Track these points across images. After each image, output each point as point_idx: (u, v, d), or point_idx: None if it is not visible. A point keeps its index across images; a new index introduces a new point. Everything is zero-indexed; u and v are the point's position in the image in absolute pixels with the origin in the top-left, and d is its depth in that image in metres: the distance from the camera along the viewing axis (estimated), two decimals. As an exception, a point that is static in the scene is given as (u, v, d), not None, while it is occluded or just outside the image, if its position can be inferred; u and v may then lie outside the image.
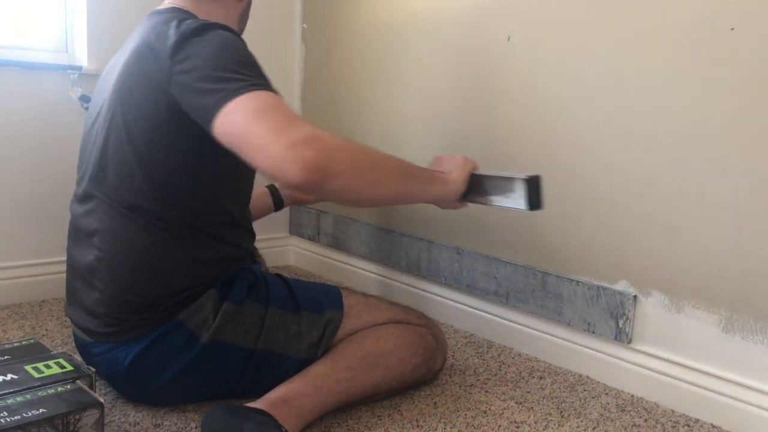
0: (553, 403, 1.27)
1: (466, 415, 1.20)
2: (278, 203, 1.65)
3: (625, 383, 1.33)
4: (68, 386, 1.04)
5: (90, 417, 0.99)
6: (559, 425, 1.18)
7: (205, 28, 1.06)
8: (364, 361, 1.16)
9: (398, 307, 1.31)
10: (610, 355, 1.36)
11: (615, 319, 1.33)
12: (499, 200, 1.17)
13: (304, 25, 2.08)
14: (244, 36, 1.19)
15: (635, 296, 1.31)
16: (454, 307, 1.67)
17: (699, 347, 1.23)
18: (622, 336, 1.33)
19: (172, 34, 1.06)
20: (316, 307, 1.21)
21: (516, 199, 1.14)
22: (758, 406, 1.15)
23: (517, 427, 1.16)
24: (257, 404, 1.04)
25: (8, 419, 0.92)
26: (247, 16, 1.33)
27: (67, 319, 1.58)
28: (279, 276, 1.27)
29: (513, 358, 1.48)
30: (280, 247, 2.17)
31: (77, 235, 1.18)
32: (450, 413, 1.20)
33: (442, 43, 1.64)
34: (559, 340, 1.44)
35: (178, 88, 1.03)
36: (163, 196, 1.10)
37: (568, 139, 1.39)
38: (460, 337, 1.59)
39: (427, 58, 1.68)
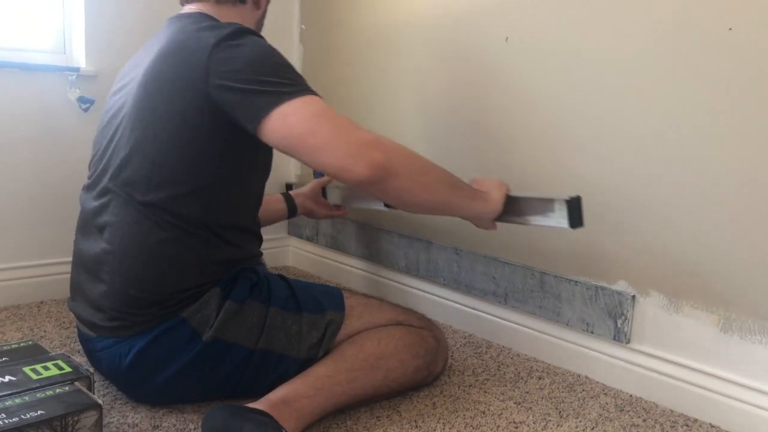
0: (551, 403, 1.27)
1: (464, 415, 1.20)
2: (292, 210, 1.69)
3: (624, 383, 1.33)
4: (66, 388, 1.04)
5: (88, 418, 0.99)
6: (558, 425, 1.18)
7: (242, 32, 1.11)
8: (366, 363, 1.16)
9: (400, 309, 1.31)
10: (608, 355, 1.36)
11: (613, 319, 1.34)
12: (538, 219, 1.24)
13: (302, 26, 2.08)
14: None
15: (634, 296, 1.31)
16: (452, 308, 1.67)
17: (697, 347, 1.23)
18: (620, 336, 1.33)
19: (208, 35, 1.10)
20: (318, 307, 1.21)
21: (557, 219, 1.22)
22: (757, 406, 1.15)
23: (516, 428, 1.16)
24: (257, 405, 1.04)
25: (6, 421, 0.92)
26: (263, 24, 1.36)
27: (66, 321, 1.58)
28: (281, 276, 1.27)
29: (512, 358, 1.48)
30: (279, 247, 2.17)
31: (87, 228, 1.19)
32: (449, 414, 1.20)
33: (441, 44, 1.64)
34: (557, 341, 1.45)
35: (218, 88, 1.07)
36: (180, 195, 1.12)
37: (566, 138, 1.39)
38: (459, 338, 1.59)
39: (426, 59, 1.68)
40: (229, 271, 1.18)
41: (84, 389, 1.05)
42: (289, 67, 1.12)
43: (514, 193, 1.28)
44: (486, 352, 1.51)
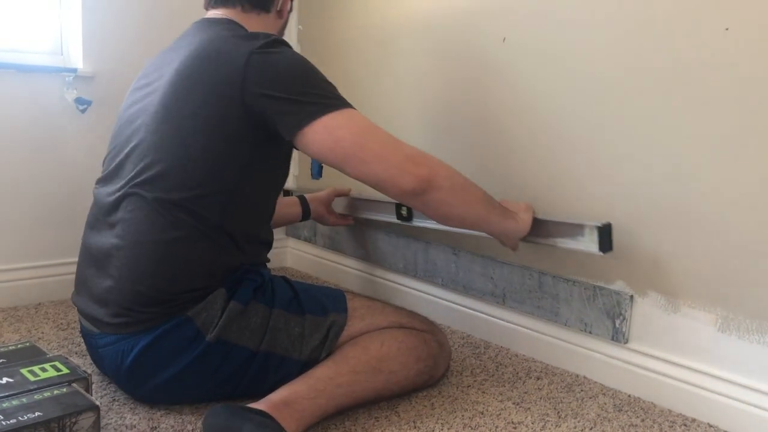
0: (550, 403, 1.27)
1: (463, 416, 1.20)
2: (306, 214, 1.73)
3: (622, 383, 1.33)
4: (64, 389, 1.04)
5: (86, 420, 0.99)
6: (557, 426, 1.18)
7: (279, 42, 1.16)
8: (368, 366, 1.16)
9: (403, 312, 1.32)
10: (607, 355, 1.36)
11: (612, 319, 1.34)
12: (566, 242, 1.33)
13: (300, 27, 2.08)
14: None
15: (632, 296, 1.31)
16: (451, 308, 1.67)
17: (695, 347, 1.23)
18: (618, 336, 1.33)
19: (245, 43, 1.13)
20: (320, 309, 1.21)
21: (587, 243, 1.29)
22: (755, 406, 1.15)
23: (515, 428, 1.17)
24: (258, 405, 1.04)
25: (4, 423, 0.92)
26: (284, 33, 1.38)
27: (64, 322, 1.58)
28: (284, 279, 1.28)
29: (510, 358, 1.48)
30: (278, 248, 2.17)
31: (98, 223, 1.20)
32: (447, 414, 1.20)
33: (438, 45, 1.64)
34: (556, 341, 1.45)
35: (257, 96, 1.11)
36: (203, 196, 1.13)
37: (564, 139, 1.39)
38: (457, 338, 1.59)
39: (423, 59, 1.68)
40: (236, 273, 1.19)
41: (82, 391, 1.04)
42: (327, 80, 1.18)
43: (542, 216, 1.35)
44: (484, 352, 1.51)
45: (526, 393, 1.31)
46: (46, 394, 1.01)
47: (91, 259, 1.20)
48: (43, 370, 1.09)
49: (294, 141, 1.14)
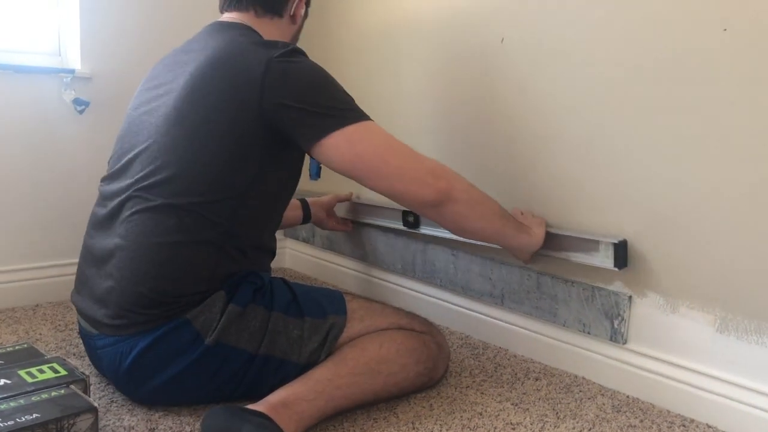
0: (548, 404, 1.27)
1: (461, 416, 1.20)
2: (306, 217, 1.74)
3: (621, 384, 1.33)
4: (62, 391, 1.03)
5: (84, 421, 0.99)
6: (555, 426, 1.18)
7: (297, 52, 1.17)
8: (367, 367, 1.16)
9: (402, 313, 1.31)
10: (605, 356, 1.36)
11: (610, 320, 1.34)
12: (581, 257, 1.34)
13: (298, 28, 2.08)
14: None
15: (630, 297, 1.31)
16: (449, 309, 1.67)
17: (694, 347, 1.23)
18: (617, 336, 1.33)
19: (263, 51, 1.14)
20: (320, 312, 1.21)
21: (601, 259, 1.31)
22: (754, 406, 1.15)
23: (513, 429, 1.16)
24: (257, 407, 1.04)
25: (2, 424, 0.92)
26: (298, 38, 1.39)
27: (62, 323, 1.57)
28: (283, 281, 1.27)
29: (508, 359, 1.48)
30: (276, 249, 2.17)
31: (101, 223, 1.20)
32: (446, 415, 1.20)
33: (437, 45, 1.64)
34: (554, 341, 1.45)
35: (275, 106, 1.11)
36: (213, 201, 1.13)
37: (563, 139, 1.39)
38: (456, 339, 1.59)
39: (422, 60, 1.68)
40: (236, 276, 1.19)
41: (80, 392, 1.04)
42: (345, 92, 1.19)
43: (555, 230, 1.37)
44: (483, 353, 1.51)
45: (524, 394, 1.31)
46: (44, 396, 1.01)
47: (92, 259, 1.19)
48: (41, 371, 1.09)
49: (311, 152, 1.15)
